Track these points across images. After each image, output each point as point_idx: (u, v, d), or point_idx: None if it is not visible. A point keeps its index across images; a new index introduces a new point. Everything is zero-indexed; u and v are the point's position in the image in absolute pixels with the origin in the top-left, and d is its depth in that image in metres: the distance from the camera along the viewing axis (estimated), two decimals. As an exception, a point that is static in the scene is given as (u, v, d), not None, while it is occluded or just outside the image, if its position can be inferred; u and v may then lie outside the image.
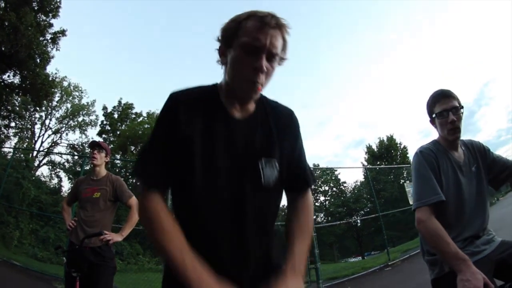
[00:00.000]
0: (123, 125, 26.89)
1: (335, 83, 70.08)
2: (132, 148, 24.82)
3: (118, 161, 22.33)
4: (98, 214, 3.04)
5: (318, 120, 65.81)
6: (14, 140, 21.96)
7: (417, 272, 1.74)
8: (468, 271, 1.53)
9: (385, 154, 34.57)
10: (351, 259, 18.53)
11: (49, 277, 6.68)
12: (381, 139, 36.18)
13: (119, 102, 27.81)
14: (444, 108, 1.85)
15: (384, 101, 69.67)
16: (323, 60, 67.78)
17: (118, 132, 26.03)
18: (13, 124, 21.30)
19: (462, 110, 1.87)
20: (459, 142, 1.93)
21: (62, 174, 24.50)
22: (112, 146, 23.53)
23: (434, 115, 1.90)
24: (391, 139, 35.60)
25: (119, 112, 27.41)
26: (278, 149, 1.15)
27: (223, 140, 1.08)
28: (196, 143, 1.05)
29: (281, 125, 1.18)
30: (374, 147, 36.28)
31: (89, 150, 3.43)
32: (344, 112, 69.66)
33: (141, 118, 27.04)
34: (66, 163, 24.86)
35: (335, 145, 66.03)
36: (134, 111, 27.80)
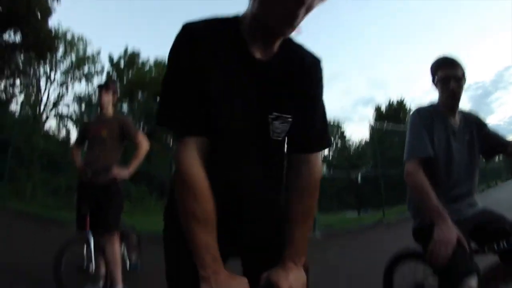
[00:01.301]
0: (130, 73, 26.54)
1: (349, 37, 68.11)
2: (139, 94, 24.78)
3: (124, 108, 22.22)
4: (105, 152, 3.15)
5: (328, 73, 64.84)
6: (21, 98, 22.02)
7: (408, 234, 1.97)
8: (444, 225, 1.64)
9: (393, 116, 34.41)
10: (347, 213, 19.16)
11: (61, 222, 7.02)
12: (391, 101, 35.76)
13: (125, 50, 27.22)
14: (446, 74, 1.90)
15: (399, 63, 68.13)
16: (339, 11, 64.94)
17: (125, 82, 25.80)
18: (18, 82, 21.36)
19: (464, 79, 1.93)
20: (457, 110, 2.00)
21: (70, 125, 24.75)
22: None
23: (436, 79, 1.97)
24: (401, 102, 35.16)
25: (125, 61, 26.97)
26: (295, 101, 1.04)
27: (239, 83, 0.97)
28: (211, 83, 0.94)
29: (304, 74, 1.05)
30: (383, 107, 35.98)
31: (97, 91, 3.49)
32: (356, 68, 68.29)
33: (148, 67, 26.62)
34: (73, 114, 25.09)
35: (343, 100, 65.19)
36: (140, 60, 27.27)
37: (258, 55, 0.99)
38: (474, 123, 2.04)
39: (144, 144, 3.24)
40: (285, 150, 1.12)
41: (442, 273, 1.67)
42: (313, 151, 1.10)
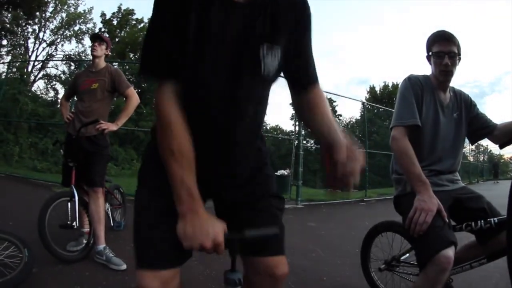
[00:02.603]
0: (123, 32, 25.63)
1: (349, 15, 67.06)
2: (131, 55, 24.11)
3: (115, 66, 21.73)
4: (95, 104, 3.10)
5: (325, 49, 64.11)
6: (8, 58, 21.34)
7: (388, 213, 2.01)
8: (426, 193, 1.67)
9: (386, 99, 34.50)
10: (331, 189, 19.71)
11: (49, 183, 7.13)
12: (386, 83, 35.93)
13: (119, 8, 26.05)
14: (441, 49, 1.87)
15: (398, 47, 67.48)
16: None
17: (117, 39, 25.10)
18: (4, 42, 20.39)
19: (459, 57, 1.90)
20: (448, 86, 1.98)
21: (58, 86, 24.09)
22: (110, 53, 22.62)
23: (430, 53, 1.93)
24: (396, 86, 35.29)
25: (119, 19, 25.85)
26: (284, 36, 1.04)
27: (220, 25, 0.97)
28: (190, 27, 0.95)
29: (291, 11, 1.04)
30: (377, 89, 36.19)
31: (90, 42, 3.37)
32: (354, 47, 67.74)
33: (142, 25, 25.47)
34: (62, 75, 24.03)
35: (337, 77, 65.03)
36: (134, 17, 26.15)
37: None
38: (464, 101, 2.02)
39: (134, 98, 3.19)
40: (291, 89, 1.17)
41: (419, 243, 1.68)
42: (316, 82, 1.16)
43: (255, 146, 1.21)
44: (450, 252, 1.55)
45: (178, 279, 1.04)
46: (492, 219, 1.71)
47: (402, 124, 1.85)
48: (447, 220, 1.68)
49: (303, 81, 1.14)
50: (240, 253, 1.03)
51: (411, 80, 1.93)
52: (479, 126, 2.03)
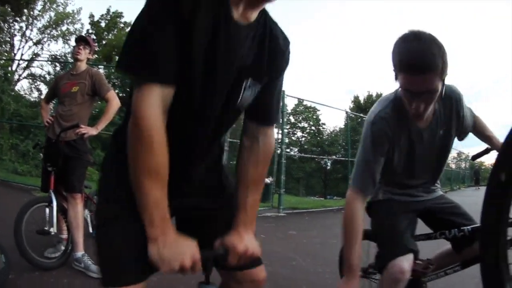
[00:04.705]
0: (110, 35, 25.53)
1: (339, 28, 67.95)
2: (117, 58, 24.12)
3: (102, 70, 21.60)
4: (75, 108, 3.07)
5: (311, 59, 64.74)
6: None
7: (369, 220, 2.03)
8: (348, 280, 1.59)
9: (370, 108, 34.98)
10: (314, 198, 19.81)
11: (29, 187, 6.96)
12: (370, 93, 36.52)
13: (108, 10, 26.06)
14: (409, 88, 1.41)
15: (383, 56, 68.43)
16: None
17: (104, 42, 24.89)
18: None
19: (442, 81, 1.38)
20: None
21: (42, 87, 23.62)
22: (96, 56, 22.60)
23: (397, 80, 1.46)
24: (379, 96, 35.82)
25: (107, 21, 25.77)
26: (265, 74, 1.04)
27: (222, 44, 0.92)
28: (195, 40, 0.88)
29: (275, 49, 1.04)
30: (361, 98, 36.70)
31: (74, 44, 3.33)
32: (339, 56, 68.64)
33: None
34: (47, 75, 23.53)
35: (323, 85, 65.63)
36: (123, 20, 26.18)
37: (238, 18, 0.95)
38: (455, 106, 1.63)
39: (114, 102, 3.14)
40: (243, 119, 1.16)
41: (378, 249, 1.72)
42: (272, 124, 1.16)
43: (216, 160, 1.22)
44: (404, 261, 1.53)
45: None
46: (466, 227, 1.71)
47: (358, 189, 1.64)
48: (411, 229, 1.71)
49: (263, 116, 1.14)
50: (218, 268, 1.09)
51: (375, 130, 1.58)
52: (465, 126, 1.79)
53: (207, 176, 1.17)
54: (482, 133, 1.89)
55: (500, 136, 1.69)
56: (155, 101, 0.86)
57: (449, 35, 65.84)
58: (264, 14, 1.02)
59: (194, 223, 1.16)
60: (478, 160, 2.13)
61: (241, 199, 1.11)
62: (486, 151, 1.96)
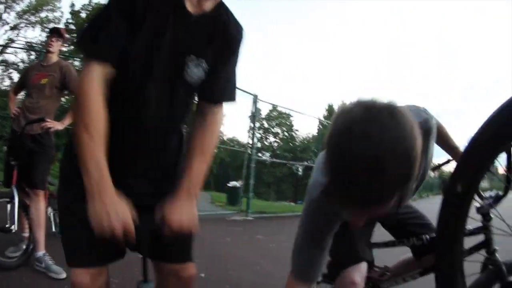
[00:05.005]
0: None
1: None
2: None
3: (77, 63, 20.76)
4: (42, 101, 3.01)
5: (285, 65, 65.41)
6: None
7: None
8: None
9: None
10: (284, 202, 20.06)
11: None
12: (344, 102, 37.31)
13: (90, 0, 25.30)
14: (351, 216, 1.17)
15: (358, 65, 69.95)
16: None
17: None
18: None
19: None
20: None
21: (15, 75, 22.57)
22: (73, 47, 21.84)
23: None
24: (353, 105, 36.82)
25: (88, 12, 24.86)
26: (212, 53, 1.13)
27: (168, 32, 1.05)
28: (142, 28, 1.03)
29: (225, 34, 1.14)
30: (335, 106, 37.37)
31: (46, 35, 3.32)
32: (313, 63, 69.56)
33: None
34: (21, 63, 22.67)
35: (298, 92, 66.41)
36: None
37: (190, 8, 1.07)
38: None
39: None
40: (198, 99, 1.23)
41: (331, 257, 1.59)
42: (220, 102, 1.23)
43: (171, 145, 1.25)
44: (355, 272, 1.49)
45: (106, 276, 1.13)
46: (424, 236, 1.71)
47: (298, 279, 1.32)
48: (367, 238, 1.71)
49: (208, 95, 1.21)
50: (150, 254, 1.10)
51: (317, 214, 1.25)
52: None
53: (161, 166, 1.21)
54: (444, 143, 1.83)
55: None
56: (95, 76, 0.99)
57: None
58: (219, 5, 1.12)
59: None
60: (446, 170, 2.13)
61: (187, 166, 1.14)
62: (447, 162, 1.97)
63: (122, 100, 1.08)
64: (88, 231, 0.94)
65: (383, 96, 0.80)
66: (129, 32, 1.01)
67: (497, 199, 1.47)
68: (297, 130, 37.73)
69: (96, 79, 0.99)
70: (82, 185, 0.96)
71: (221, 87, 1.21)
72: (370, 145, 0.74)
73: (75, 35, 22.93)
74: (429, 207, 1.28)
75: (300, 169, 33.43)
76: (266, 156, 33.19)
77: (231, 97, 1.25)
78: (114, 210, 0.92)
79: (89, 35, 1.03)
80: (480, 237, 1.43)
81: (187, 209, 1.07)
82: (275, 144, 37.38)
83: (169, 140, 1.23)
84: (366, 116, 0.77)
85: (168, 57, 1.07)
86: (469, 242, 1.41)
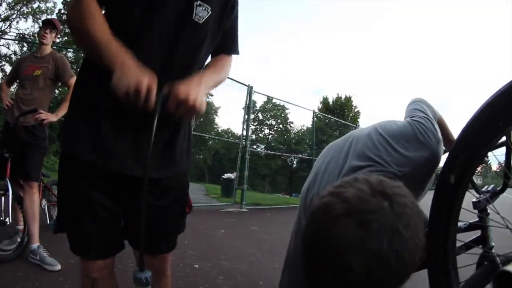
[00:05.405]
0: None
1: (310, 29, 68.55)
2: None
3: (70, 54, 20.66)
4: (36, 92, 3.01)
5: (280, 56, 65.23)
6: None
7: None
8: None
9: (338, 110, 35.82)
10: (279, 195, 20.16)
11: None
12: (339, 95, 37.47)
13: None
14: None
15: (354, 59, 69.79)
16: None
17: None
18: None
19: None
20: None
21: (7, 68, 22.31)
22: (66, 38, 21.71)
23: None
24: (348, 99, 36.99)
25: None
26: (217, 3, 1.18)
27: None
28: None
29: None
30: (330, 100, 37.57)
31: (40, 27, 3.24)
32: (309, 57, 69.39)
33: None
34: (13, 55, 22.45)
35: (292, 85, 66.46)
36: None
37: None
38: None
39: None
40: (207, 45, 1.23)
41: None
42: (230, 53, 1.35)
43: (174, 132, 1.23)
44: None
45: (112, 267, 1.22)
46: None
47: None
48: None
49: (218, 47, 1.28)
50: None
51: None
52: None
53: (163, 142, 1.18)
54: (442, 136, 1.80)
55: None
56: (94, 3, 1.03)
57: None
58: None
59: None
60: (441, 164, 2.11)
61: (207, 65, 1.26)
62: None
63: (124, 43, 1.02)
64: (94, 222, 1.08)
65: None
66: None
67: (494, 194, 1.43)
68: (291, 123, 37.75)
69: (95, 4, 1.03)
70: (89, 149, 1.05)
71: (228, 38, 1.30)
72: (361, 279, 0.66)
73: (67, 25, 22.54)
74: (423, 201, 1.27)
75: (294, 161, 33.57)
76: (260, 148, 33.23)
77: (236, 49, 1.36)
78: (138, 70, 0.94)
79: None
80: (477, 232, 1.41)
81: (196, 87, 1.03)
82: (270, 136, 37.41)
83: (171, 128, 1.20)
84: (359, 241, 0.66)
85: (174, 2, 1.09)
86: (466, 237, 1.40)
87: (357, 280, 0.65)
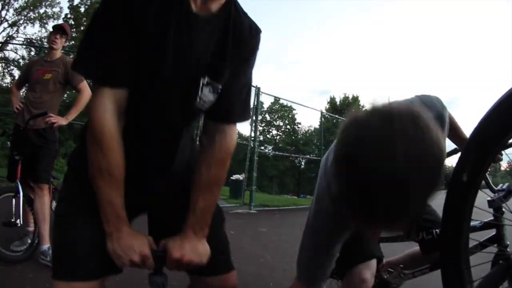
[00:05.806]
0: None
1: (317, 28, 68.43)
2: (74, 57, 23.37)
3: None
4: (46, 95, 3.03)
5: (288, 59, 65.19)
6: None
7: None
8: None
9: (345, 110, 35.68)
10: (287, 196, 20.15)
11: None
12: (346, 95, 37.31)
13: None
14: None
15: (360, 59, 69.46)
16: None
17: (82, 28, 24.12)
18: None
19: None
20: None
21: (16, 72, 22.60)
22: (73, 42, 21.98)
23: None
24: (355, 99, 36.81)
25: (87, 6, 24.75)
26: (227, 71, 0.99)
27: (176, 40, 0.91)
28: (146, 38, 0.89)
29: (239, 38, 0.98)
30: (337, 100, 37.42)
31: (50, 32, 3.29)
32: (316, 58, 69.23)
33: None
34: (21, 60, 22.70)
35: (300, 86, 66.33)
36: None
37: (196, 10, 0.92)
38: None
39: (86, 92, 3.08)
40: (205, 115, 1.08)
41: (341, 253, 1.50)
42: (231, 122, 1.07)
43: (183, 166, 1.15)
44: (364, 269, 1.46)
45: None
46: (434, 230, 1.63)
47: (308, 284, 1.33)
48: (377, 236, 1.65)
49: (218, 112, 1.05)
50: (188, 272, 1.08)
51: (328, 228, 1.23)
52: None
53: (174, 172, 1.13)
54: (454, 135, 1.68)
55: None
56: (107, 104, 0.89)
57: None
58: (229, 4, 0.97)
59: (161, 217, 1.17)
60: (449, 164, 2.04)
61: (192, 202, 1.03)
62: (455, 151, 1.86)
63: (138, 119, 0.99)
64: (84, 244, 0.96)
65: (395, 96, 0.77)
66: (133, 44, 0.89)
67: (509, 193, 1.40)
68: (299, 123, 37.71)
69: (109, 107, 0.89)
70: (86, 203, 0.96)
71: (239, 103, 1.06)
72: (394, 165, 0.69)
73: (74, 29, 23.05)
74: (435, 201, 1.25)
75: (302, 162, 33.52)
76: (268, 149, 33.23)
77: (244, 115, 1.10)
78: (131, 246, 0.91)
79: (89, 55, 0.91)
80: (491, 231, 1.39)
81: (193, 245, 0.98)
82: (277, 137, 37.39)
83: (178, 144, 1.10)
84: (387, 129, 0.71)
85: (178, 76, 0.94)
86: (480, 236, 1.39)
87: (401, 166, 0.68)
